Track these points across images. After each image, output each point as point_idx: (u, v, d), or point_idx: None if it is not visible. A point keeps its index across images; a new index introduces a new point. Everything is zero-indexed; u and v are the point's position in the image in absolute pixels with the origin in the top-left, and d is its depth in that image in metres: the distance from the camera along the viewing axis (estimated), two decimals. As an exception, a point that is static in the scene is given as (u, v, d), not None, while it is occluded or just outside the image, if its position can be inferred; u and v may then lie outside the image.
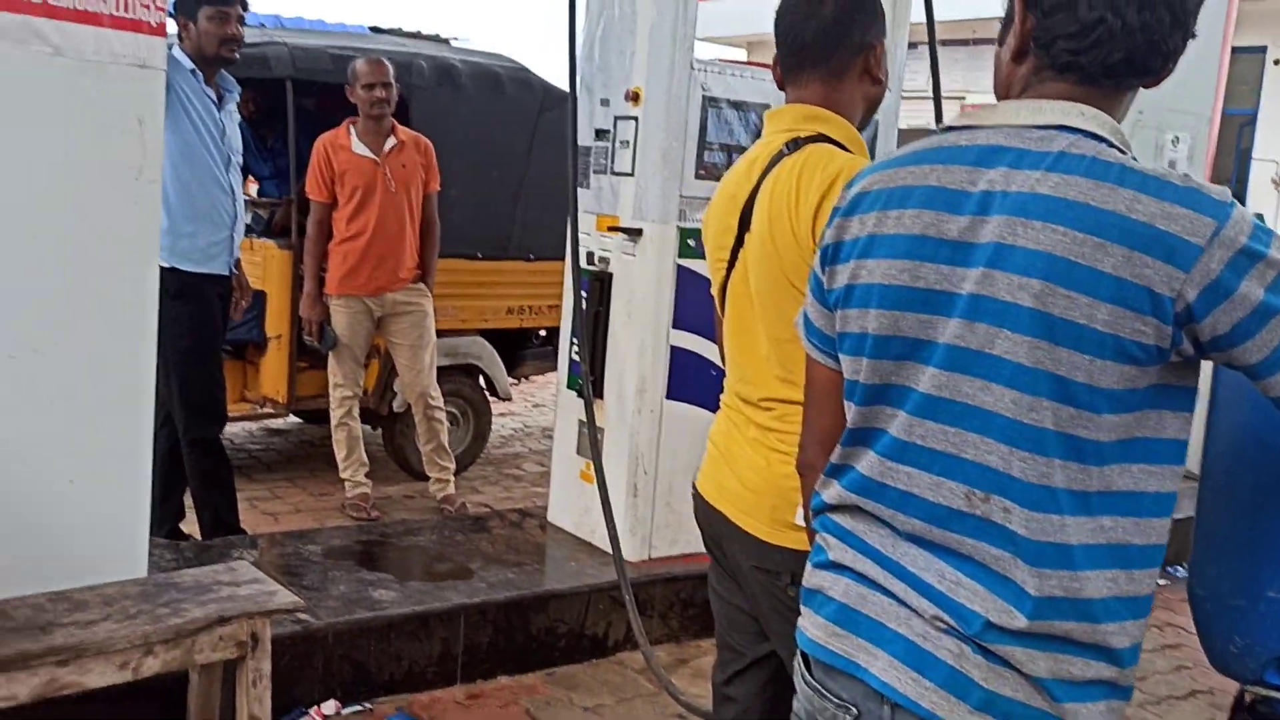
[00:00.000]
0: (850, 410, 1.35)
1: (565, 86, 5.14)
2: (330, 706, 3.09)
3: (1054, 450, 1.16)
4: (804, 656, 1.39)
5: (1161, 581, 3.95)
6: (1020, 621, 1.18)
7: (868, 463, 1.30)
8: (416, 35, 6.13)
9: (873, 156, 1.93)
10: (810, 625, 1.36)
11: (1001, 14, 1.36)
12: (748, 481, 1.92)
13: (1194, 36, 1.28)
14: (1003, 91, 1.32)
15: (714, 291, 2.07)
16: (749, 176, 1.91)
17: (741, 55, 13.70)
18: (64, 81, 2.55)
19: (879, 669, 1.26)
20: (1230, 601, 1.53)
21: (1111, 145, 1.21)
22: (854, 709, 1.29)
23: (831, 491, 1.36)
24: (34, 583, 2.48)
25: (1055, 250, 1.15)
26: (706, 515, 2.03)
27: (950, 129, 1.32)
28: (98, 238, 2.65)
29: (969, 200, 1.23)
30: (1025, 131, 1.24)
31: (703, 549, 2.15)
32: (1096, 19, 1.22)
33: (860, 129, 1.95)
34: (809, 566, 1.41)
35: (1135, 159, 1.20)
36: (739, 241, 1.92)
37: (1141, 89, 1.32)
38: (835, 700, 1.31)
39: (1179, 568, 4.71)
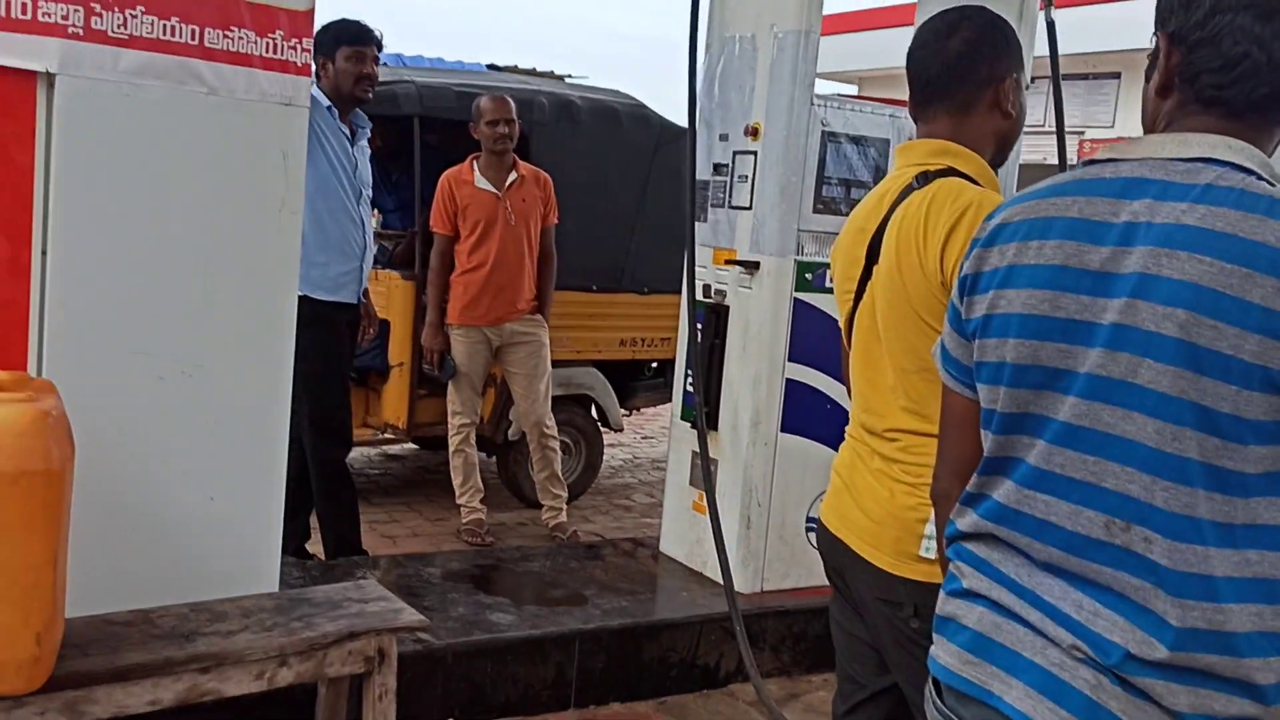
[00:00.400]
0: (987, 439, 1.34)
1: (682, 123, 5.21)
2: (448, 726, 3.15)
3: (1198, 481, 1.15)
4: (935, 683, 1.38)
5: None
6: (1161, 653, 1.16)
7: (1005, 491, 1.30)
8: (532, 72, 6.29)
9: None
10: (943, 652, 1.36)
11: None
12: (871, 512, 1.92)
13: None
14: (1149, 125, 1.32)
15: (841, 323, 2.08)
16: (878, 209, 1.92)
17: (853, 90, 13.67)
18: (217, 119, 2.70)
19: (1014, 698, 1.25)
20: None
21: (1260, 178, 1.20)
22: None
23: (967, 520, 1.36)
24: (175, 593, 2.61)
25: (1202, 281, 1.14)
26: (829, 545, 2.03)
27: (1093, 162, 1.32)
28: (243, 266, 2.79)
29: (1112, 231, 1.22)
30: (1171, 164, 1.23)
31: (815, 583, 2.16)
32: (1241, 54, 1.21)
33: (994, 164, 1.95)
34: (942, 594, 1.40)
35: None
36: (867, 274, 1.93)
37: None
38: None
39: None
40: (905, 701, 2.03)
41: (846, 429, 2.08)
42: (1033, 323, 1.27)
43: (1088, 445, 1.22)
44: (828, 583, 2.10)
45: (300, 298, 3.00)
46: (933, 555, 1.79)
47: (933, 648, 1.39)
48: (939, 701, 1.37)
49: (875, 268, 1.92)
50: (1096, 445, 1.21)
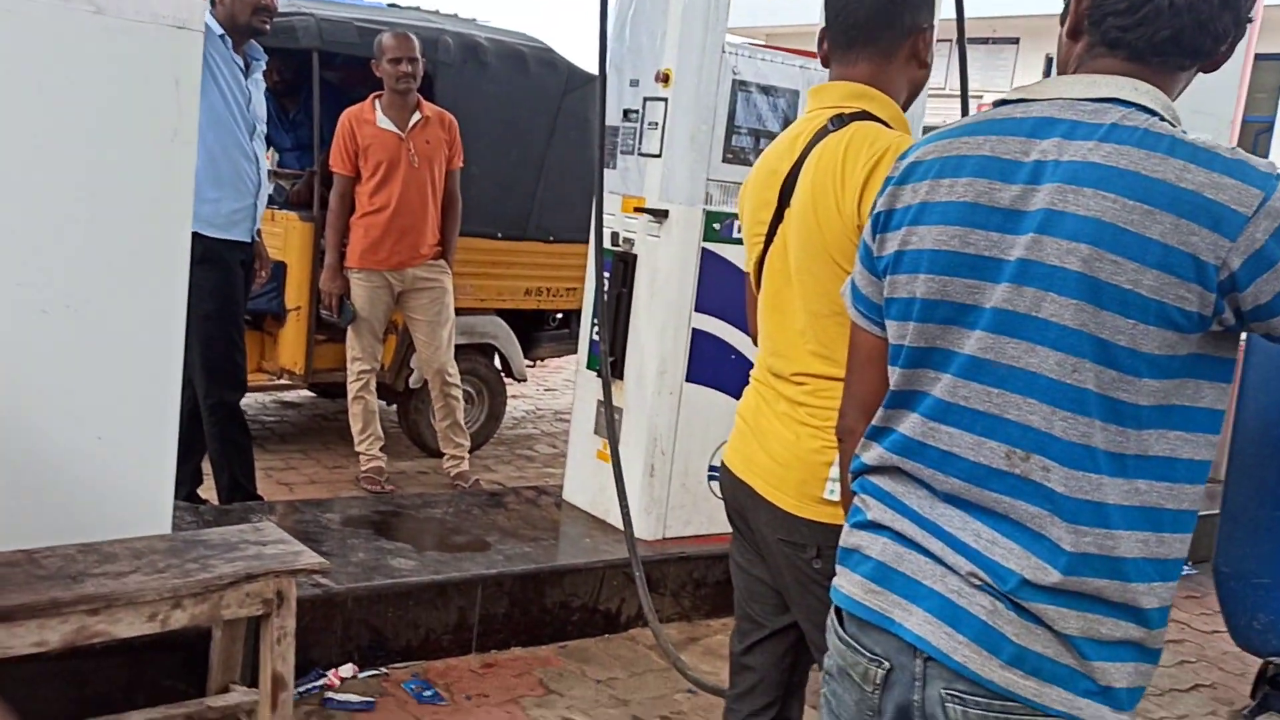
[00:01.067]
0: (894, 374, 1.37)
1: (590, 69, 5.12)
2: (348, 669, 3.12)
3: (1095, 411, 1.19)
4: (838, 612, 1.41)
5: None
6: (1054, 577, 1.20)
7: (910, 424, 1.33)
8: (435, 14, 6.14)
9: None
10: (846, 582, 1.39)
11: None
12: (776, 455, 1.94)
13: (1250, 20, 1.30)
14: (1061, 67, 1.35)
15: (749, 266, 2.08)
16: (791, 151, 1.92)
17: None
18: (104, 40, 2.57)
19: (913, 624, 1.28)
20: (1255, 580, 1.56)
21: (1163, 119, 1.23)
22: (886, 662, 1.32)
23: (872, 453, 1.39)
24: (62, 535, 2.51)
25: (1105, 216, 1.17)
26: (733, 488, 2.05)
27: (1005, 102, 1.34)
28: (133, 197, 2.68)
29: (1021, 170, 1.25)
30: (1079, 104, 1.26)
31: (716, 530, 2.18)
32: None
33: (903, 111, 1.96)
34: (847, 526, 1.43)
35: (1185, 132, 1.22)
36: (778, 216, 1.94)
37: (1201, 73, 1.33)
38: (868, 655, 1.34)
39: (1185, 566, 4.73)
40: (801, 641, 2.07)
41: (751, 373, 2.10)
42: (943, 258, 1.29)
43: (992, 378, 1.25)
44: (729, 527, 2.13)
45: (192, 234, 2.89)
46: (837, 497, 1.81)
47: (836, 578, 1.42)
48: (841, 629, 1.40)
49: (787, 210, 1.92)
50: (1000, 378, 1.24)
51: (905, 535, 1.33)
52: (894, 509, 1.35)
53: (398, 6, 6.09)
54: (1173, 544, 1.23)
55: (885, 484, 1.37)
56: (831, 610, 1.43)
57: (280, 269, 4.91)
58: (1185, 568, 4.70)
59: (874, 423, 1.40)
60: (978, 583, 1.25)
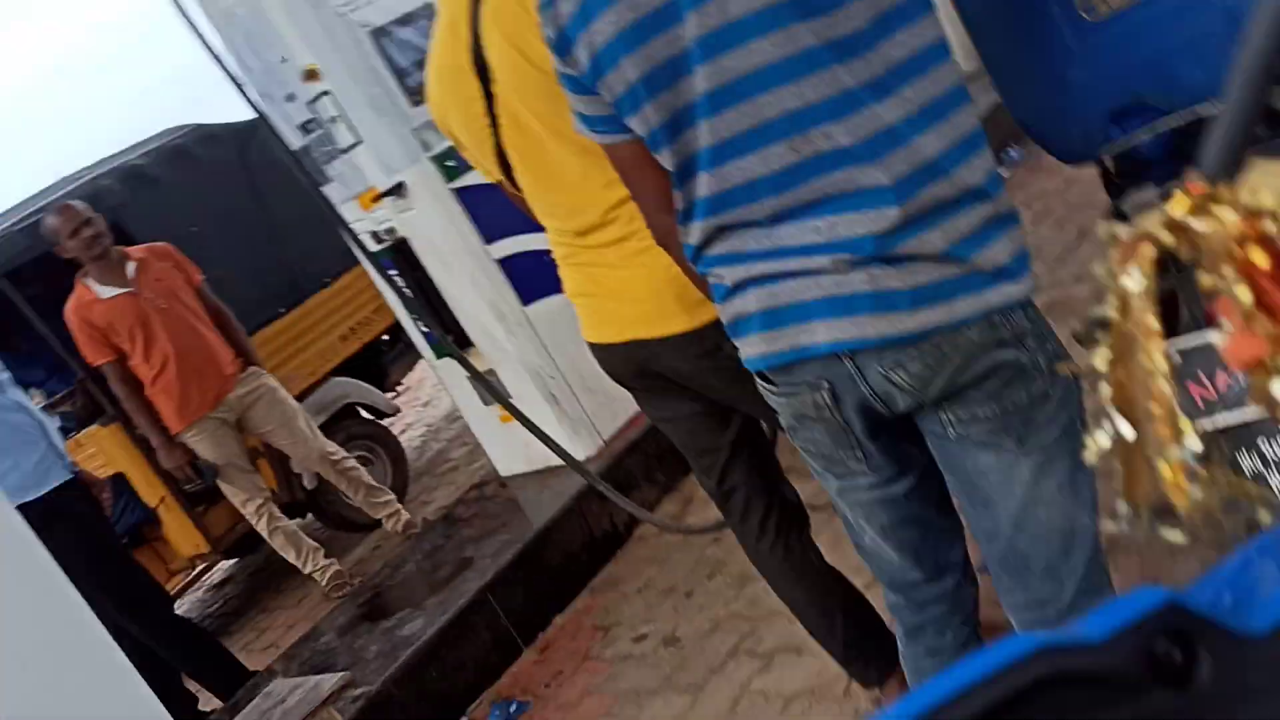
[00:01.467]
0: (665, 158, 1.38)
1: (246, 115, 4.91)
2: (435, 743, 3.11)
3: (829, 59, 1.22)
4: (760, 376, 1.45)
5: (1003, 172, 4.17)
6: (895, 214, 1.25)
7: (704, 185, 1.35)
8: (78, 172, 5.79)
9: None
10: (748, 348, 1.42)
11: None
12: (641, 295, 1.91)
13: None
14: None
15: (489, 169, 2.04)
16: (456, 38, 1.86)
17: None
18: None
19: (821, 337, 1.32)
20: (1045, 103, 1.64)
21: None
22: (824, 383, 1.36)
23: (694, 232, 1.41)
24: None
25: None
26: (619, 355, 2.04)
27: None
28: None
29: None
30: None
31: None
32: None
33: None
34: (718, 306, 1.46)
35: None
36: (489, 100, 1.89)
37: None
38: (805, 387, 1.38)
39: (1009, 151, 4.97)
40: (755, 442, 2.11)
41: (554, 256, 2.07)
42: (628, 36, 1.30)
43: (734, 97, 1.27)
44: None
45: (20, 508, 2.72)
46: None
47: (739, 352, 1.45)
48: (773, 387, 1.44)
49: (494, 87, 1.87)
50: (740, 92, 1.26)
51: (764, 275, 1.36)
52: (741, 263, 1.38)
53: (45, 189, 5.73)
54: (961, 120, 1.29)
55: (720, 249, 1.40)
56: (755, 379, 1.47)
57: (121, 480, 4.69)
58: (1011, 153, 4.98)
59: (678, 209, 1.42)
60: (844, 266, 1.29)
